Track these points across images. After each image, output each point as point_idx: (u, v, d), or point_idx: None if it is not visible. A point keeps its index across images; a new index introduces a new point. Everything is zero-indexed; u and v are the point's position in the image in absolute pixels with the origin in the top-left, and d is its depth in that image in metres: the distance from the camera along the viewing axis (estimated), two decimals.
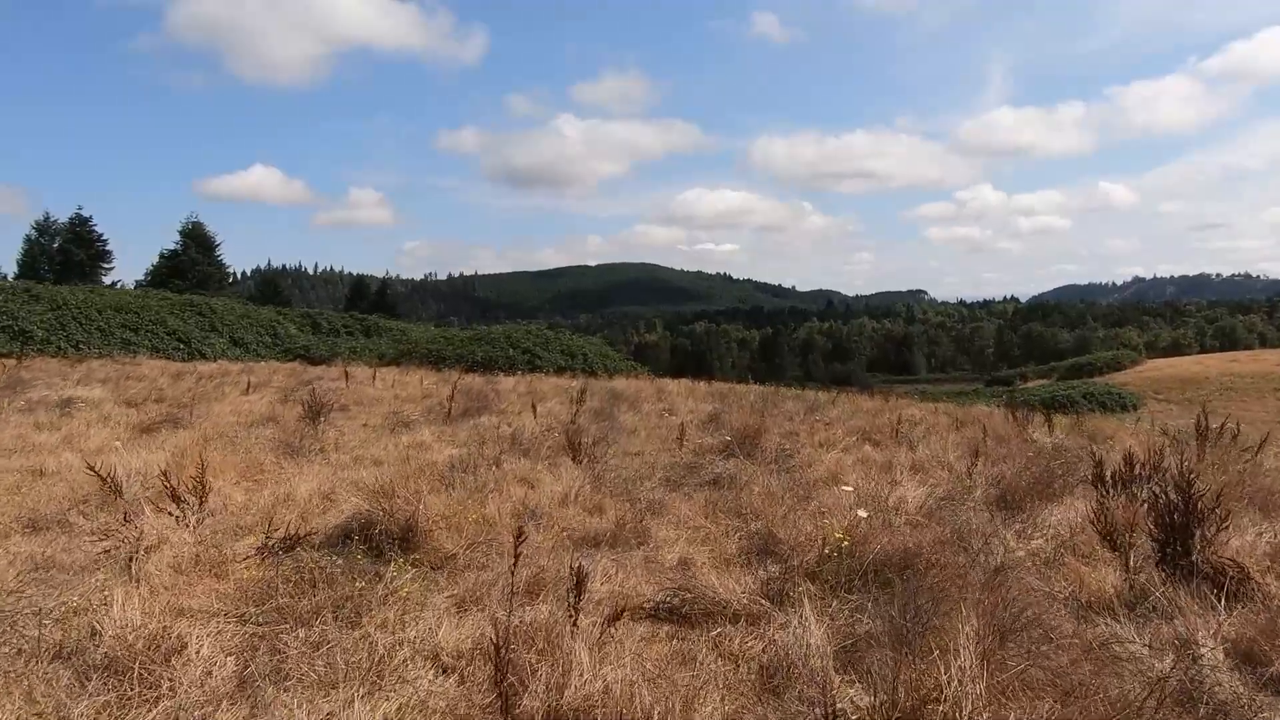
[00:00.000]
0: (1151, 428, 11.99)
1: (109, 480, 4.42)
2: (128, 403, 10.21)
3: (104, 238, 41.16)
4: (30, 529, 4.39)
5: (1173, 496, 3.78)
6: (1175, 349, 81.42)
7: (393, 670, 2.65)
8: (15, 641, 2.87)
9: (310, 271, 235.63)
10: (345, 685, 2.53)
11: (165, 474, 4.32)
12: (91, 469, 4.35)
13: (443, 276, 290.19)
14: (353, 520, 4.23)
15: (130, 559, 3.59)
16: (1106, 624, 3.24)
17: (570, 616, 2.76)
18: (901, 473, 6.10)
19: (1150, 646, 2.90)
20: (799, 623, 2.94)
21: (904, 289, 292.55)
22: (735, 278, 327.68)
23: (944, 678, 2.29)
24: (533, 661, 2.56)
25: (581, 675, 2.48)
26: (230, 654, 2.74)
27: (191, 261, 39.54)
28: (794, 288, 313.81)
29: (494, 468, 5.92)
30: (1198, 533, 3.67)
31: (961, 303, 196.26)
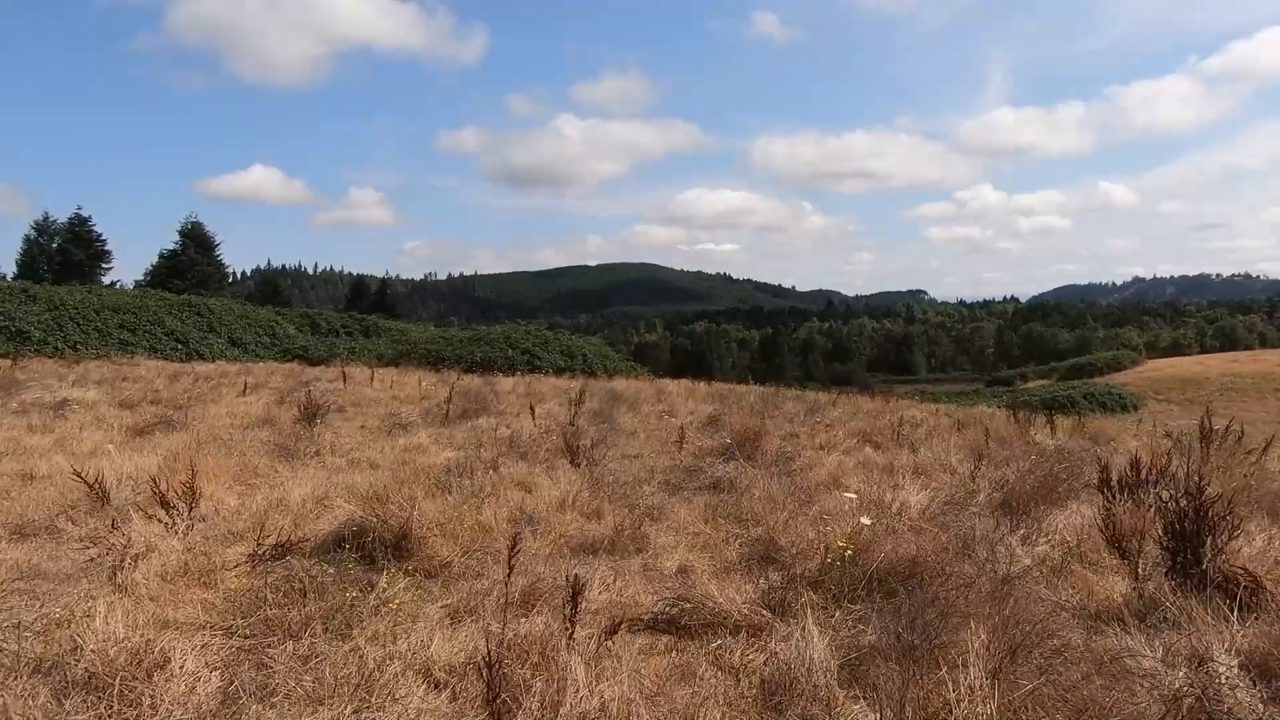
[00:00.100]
0: (1154, 429, 11.91)
1: (96, 486, 4.33)
2: (123, 404, 10.12)
3: (103, 238, 41.09)
4: (17, 535, 4.30)
5: (1183, 503, 3.70)
6: (1175, 349, 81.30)
7: (383, 686, 2.56)
8: None
9: (310, 271, 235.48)
10: (333, 702, 2.45)
11: (155, 479, 4.24)
12: (78, 474, 4.27)
13: (443, 276, 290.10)
14: (346, 527, 4.14)
15: (117, 568, 3.51)
16: (1116, 635, 3.15)
17: (566, 629, 2.68)
18: (903, 476, 6.02)
19: (1164, 661, 2.81)
20: (801, 635, 2.85)
21: (904, 289, 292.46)
22: (735, 278, 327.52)
23: (953, 696, 2.20)
24: (527, 677, 2.48)
25: (577, 692, 2.40)
26: (215, 669, 2.65)
27: (191, 261, 39.42)
28: (794, 288, 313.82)
29: (491, 471, 5.84)
30: (1209, 540, 3.59)
31: (961, 303, 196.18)
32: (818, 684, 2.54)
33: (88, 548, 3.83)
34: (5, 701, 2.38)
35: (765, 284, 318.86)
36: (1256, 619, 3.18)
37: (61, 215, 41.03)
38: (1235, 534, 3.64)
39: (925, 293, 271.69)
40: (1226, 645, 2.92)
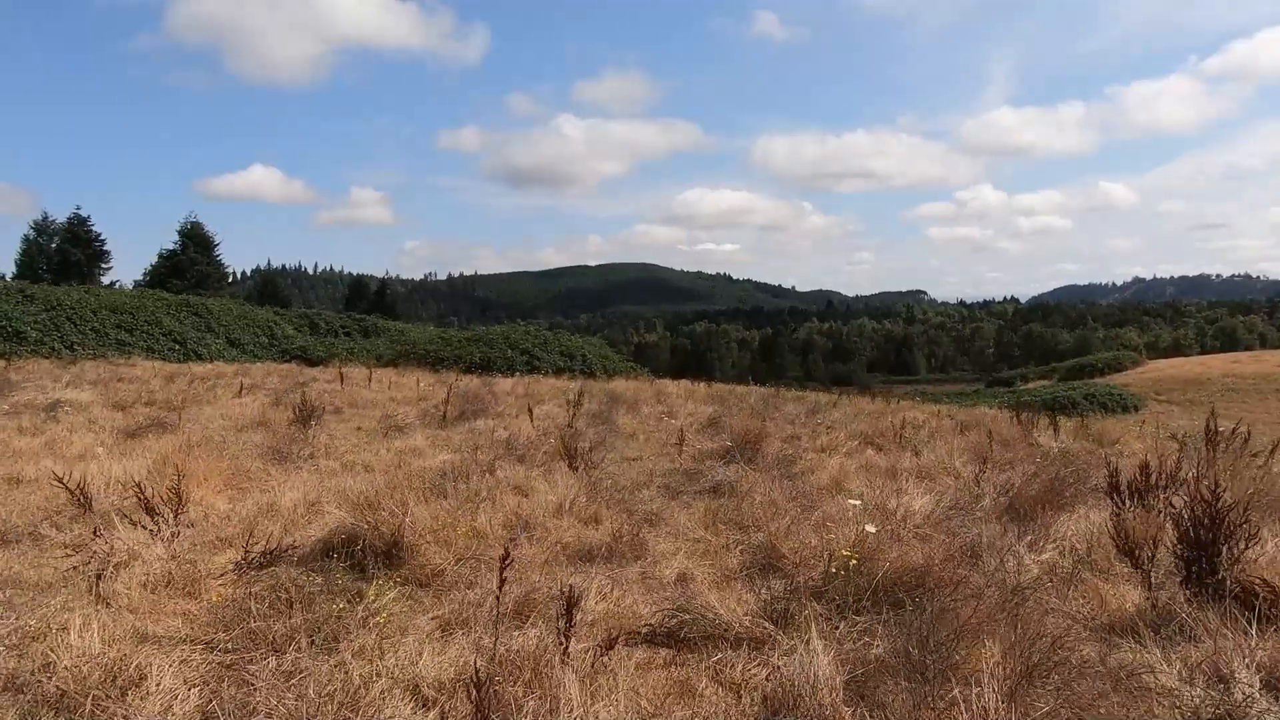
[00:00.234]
0: (1157, 431, 11.79)
1: (78, 491, 4.21)
2: (116, 406, 10.00)
3: (102, 237, 40.93)
4: None
5: (1198, 510, 3.59)
6: (1176, 349, 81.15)
7: (368, 703, 2.45)
8: None
9: (310, 271, 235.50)
10: None
11: (141, 485, 4.13)
12: (59, 479, 4.15)
13: (443, 276, 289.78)
14: (336, 534, 4.04)
15: (98, 577, 3.40)
16: (1131, 648, 3.04)
17: (560, 644, 2.57)
18: (907, 479, 5.91)
19: (1182, 677, 2.70)
20: (805, 649, 2.74)
21: (904, 289, 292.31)
22: (735, 278, 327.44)
23: (966, 718, 2.09)
24: (519, 695, 2.37)
25: (571, 712, 2.29)
26: (194, 686, 2.54)
27: (190, 261, 39.30)
28: (794, 288, 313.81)
29: (487, 475, 5.73)
30: (1225, 548, 3.48)
31: (961, 303, 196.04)
32: (822, 702, 2.43)
33: (69, 555, 3.71)
34: None
35: (765, 284, 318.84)
36: (1277, 631, 3.07)
37: (61, 215, 40.95)
38: (1253, 542, 3.53)
39: (925, 293, 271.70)
40: (1246, 659, 2.81)
